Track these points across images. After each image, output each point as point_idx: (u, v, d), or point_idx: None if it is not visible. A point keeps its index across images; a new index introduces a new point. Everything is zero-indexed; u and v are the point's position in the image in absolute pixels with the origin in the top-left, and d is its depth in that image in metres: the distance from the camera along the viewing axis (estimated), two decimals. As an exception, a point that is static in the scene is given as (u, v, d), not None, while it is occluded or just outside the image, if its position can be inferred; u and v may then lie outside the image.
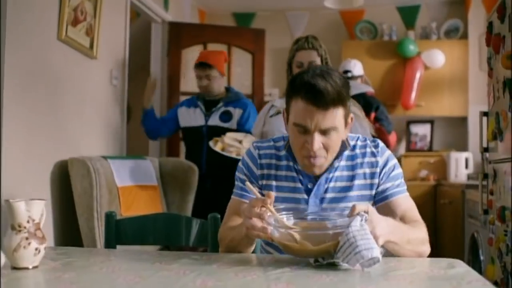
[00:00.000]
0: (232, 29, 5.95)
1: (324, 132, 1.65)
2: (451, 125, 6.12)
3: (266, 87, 5.86)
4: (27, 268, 1.40)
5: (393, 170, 1.83)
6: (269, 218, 1.47)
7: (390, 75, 5.99)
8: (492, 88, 3.17)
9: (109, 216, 2.12)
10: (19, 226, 1.41)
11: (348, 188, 1.80)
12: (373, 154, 1.82)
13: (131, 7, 4.45)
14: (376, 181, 1.81)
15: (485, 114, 3.36)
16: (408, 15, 6.22)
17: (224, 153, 3.33)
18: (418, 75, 5.78)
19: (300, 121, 1.65)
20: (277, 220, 1.48)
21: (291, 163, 1.83)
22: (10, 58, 2.72)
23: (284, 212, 1.56)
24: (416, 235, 1.68)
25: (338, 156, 1.78)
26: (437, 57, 5.76)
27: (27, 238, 1.40)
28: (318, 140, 1.65)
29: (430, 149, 6.12)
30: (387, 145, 4.09)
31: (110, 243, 2.08)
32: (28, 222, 1.42)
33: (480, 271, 3.64)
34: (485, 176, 3.33)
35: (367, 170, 1.81)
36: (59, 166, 3.21)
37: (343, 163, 1.82)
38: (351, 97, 1.76)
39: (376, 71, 5.85)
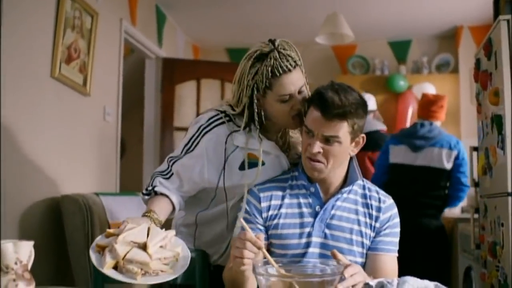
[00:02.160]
0: (226, 64, 6.02)
1: (326, 140, 1.76)
2: (444, 158, 6.13)
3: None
4: (14, 311, 1.39)
5: (395, 228, 1.89)
6: (257, 268, 1.48)
7: (383, 109, 6.03)
8: (481, 124, 3.20)
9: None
10: (7, 268, 1.40)
11: (352, 221, 1.85)
12: (383, 202, 1.89)
13: (125, 43, 4.50)
14: (378, 225, 1.86)
15: (475, 149, 3.39)
16: (400, 50, 6.31)
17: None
18: (410, 109, 5.83)
19: (308, 125, 1.79)
20: (271, 265, 1.50)
21: (302, 190, 1.89)
22: (4, 94, 2.74)
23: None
24: None
25: (348, 183, 1.87)
26: (428, 90, 5.80)
27: (14, 280, 1.39)
28: (318, 145, 1.76)
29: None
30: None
31: (97, 283, 2.06)
32: (15, 263, 1.41)
33: (474, 306, 3.62)
34: (476, 210, 3.34)
35: (374, 213, 1.87)
36: (51, 203, 3.21)
37: (352, 196, 1.88)
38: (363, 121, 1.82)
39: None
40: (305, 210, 1.86)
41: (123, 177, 4.61)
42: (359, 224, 1.85)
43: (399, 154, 4.19)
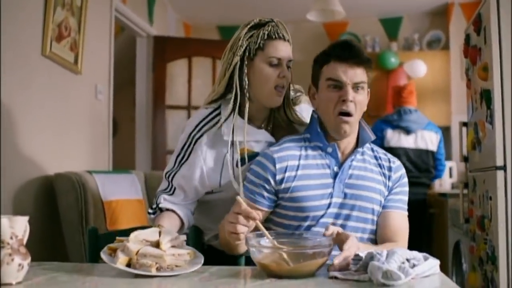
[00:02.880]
0: (217, 42, 6.00)
1: (356, 87, 1.79)
2: (434, 135, 6.18)
3: (251, 99, 5.89)
4: (10, 284, 1.42)
5: (405, 187, 1.95)
6: (250, 239, 1.51)
7: (374, 86, 6.02)
8: (471, 99, 3.23)
9: (91, 231, 2.13)
10: (2, 242, 1.42)
11: (369, 179, 1.88)
12: (393, 163, 1.95)
13: (115, 21, 4.49)
14: (390, 184, 1.91)
15: (464, 124, 3.43)
16: (391, 27, 6.32)
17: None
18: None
19: (334, 77, 1.79)
20: (266, 237, 1.53)
21: (317, 152, 1.89)
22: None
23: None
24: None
25: (361, 143, 1.90)
26: (419, 68, 5.84)
27: (10, 254, 1.42)
28: (351, 93, 1.78)
29: (414, 158, 6.17)
30: None
31: (93, 258, 2.09)
32: (11, 238, 1.43)
33: (463, 279, 3.69)
34: (466, 185, 3.38)
35: (386, 172, 1.92)
36: (44, 181, 3.22)
37: (365, 156, 1.93)
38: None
39: (360, 82, 5.91)
40: (323, 171, 1.87)
41: (116, 156, 4.62)
42: (375, 182, 1.88)
43: (393, 138, 4.63)
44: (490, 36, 2.74)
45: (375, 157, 1.95)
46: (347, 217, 1.85)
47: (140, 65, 5.42)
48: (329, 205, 1.84)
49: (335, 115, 1.81)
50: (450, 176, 5.54)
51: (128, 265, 1.53)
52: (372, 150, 1.97)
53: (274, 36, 1.94)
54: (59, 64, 3.41)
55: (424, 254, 1.50)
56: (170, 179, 2.05)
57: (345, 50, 1.79)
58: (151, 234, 1.61)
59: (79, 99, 3.75)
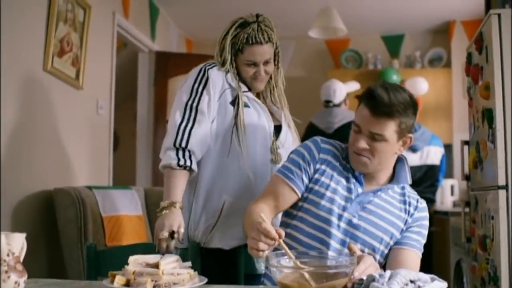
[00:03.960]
0: (219, 58, 6.00)
1: (372, 137, 1.79)
2: (436, 153, 6.17)
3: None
4: (6, 302, 1.40)
5: (424, 229, 1.91)
6: (270, 259, 1.49)
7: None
8: (472, 118, 3.22)
9: (89, 248, 2.12)
10: (-1, 260, 1.41)
11: (387, 210, 1.87)
12: (421, 203, 1.93)
13: (118, 37, 4.50)
14: (410, 220, 1.88)
15: (466, 143, 3.41)
16: (393, 44, 6.32)
17: None
18: (403, 103, 5.85)
19: (357, 120, 1.83)
20: (288, 257, 1.51)
21: (348, 165, 1.92)
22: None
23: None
24: None
25: (394, 182, 1.91)
26: (421, 85, 5.83)
27: (6, 272, 1.40)
28: (364, 140, 1.80)
29: (416, 176, 6.16)
30: None
31: (91, 275, 2.08)
32: (8, 255, 1.42)
33: (464, 299, 3.65)
34: (467, 204, 3.36)
35: (410, 209, 1.90)
36: (44, 196, 3.21)
37: (392, 193, 1.91)
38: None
39: (361, 97, 5.91)
40: (348, 185, 1.89)
41: (117, 171, 4.61)
42: (394, 216, 1.87)
43: None
44: (491, 55, 2.74)
45: (403, 194, 1.93)
46: (355, 238, 1.83)
47: (142, 80, 5.42)
48: (340, 217, 1.82)
49: (352, 151, 1.86)
50: (452, 194, 5.51)
51: (127, 285, 1.51)
52: (403, 188, 1.95)
53: (251, 41, 2.13)
54: (61, 79, 3.42)
55: (432, 276, 1.47)
56: (193, 106, 2.13)
57: (372, 99, 1.78)
58: (152, 258, 1.60)
59: (80, 114, 3.75)
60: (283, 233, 1.52)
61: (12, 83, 2.93)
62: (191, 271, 1.59)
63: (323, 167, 1.90)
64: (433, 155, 4.75)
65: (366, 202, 1.86)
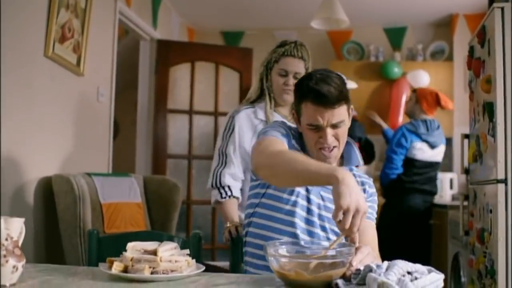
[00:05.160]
0: (220, 47, 6.00)
1: (335, 126, 1.85)
2: (436, 146, 6.16)
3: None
4: (4, 286, 1.40)
5: (376, 202, 2.02)
6: (268, 248, 1.50)
7: (377, 96, 6.05)
8: (473, 111, 3.22)
9: (91, 234, 2.13)
10: (-3, 244, 1.41)
11: None
12: (368, 179, 2.04)
13: (119, 24, 4.49)
14: (365, 196, 1.94)
15: (466, 136, 3.41)
16: (395, 37, 6.30)
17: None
18: (404, 96, 5.84)
19: (312, 121, 1.86)
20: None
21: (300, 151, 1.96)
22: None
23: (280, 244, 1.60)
24: None
25: (347, 164, 1.99)
26: (422, 78, 5.83)
27: (5, 256, 1.41)
28: (330, 133, 1.86)
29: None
30: None
31: (92, 261, 2.08)
32: (6, 239, 1.42)
33: (461, 292, 3.66)
34: (466, 198, 3.37)
35: (365, 187, 1.99)
36: (43, 182, 3.21)
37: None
38: None
39: (363, 91, 5.91)
40: None
41: (116, 159, 4.62)
42: None
43: (419, 151, 4.75)
44: (494, 49, 2.73)
45: (354, 176, 1.93)
46: (320, 217, 1.90)
47: (143, 68, 5.41)
48: (297, 194, 1.89)
49: (317, 149, 1.89)
50: (451, 187, 5.51)
51: (125, 272, 1.52)
52: (351, 169, 2.01)
53: (286, 53, 2.53)
54: (62, 65, 3.41)
55: (429, 267, 1.48)
56: (223, 151, 2.58)
57: (322, 96, 1.81)
58: (150, 245, 1.60)
59: (81, 101, 3.75)
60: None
61: (13, 68, 2.92)
62: (189, 258, 1.60)
63: None
64: (441, 152, 4.89)
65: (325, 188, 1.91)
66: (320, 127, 1.85)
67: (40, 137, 3.22)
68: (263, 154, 1.80)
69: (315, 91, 1.82)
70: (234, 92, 5.56)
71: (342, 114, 1.85)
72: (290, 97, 2.46)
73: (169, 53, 5.36)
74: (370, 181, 2.03)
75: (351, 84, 5.22)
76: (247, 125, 2.57)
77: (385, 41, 6.31)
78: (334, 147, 1.88)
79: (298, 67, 2.54)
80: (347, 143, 1.97)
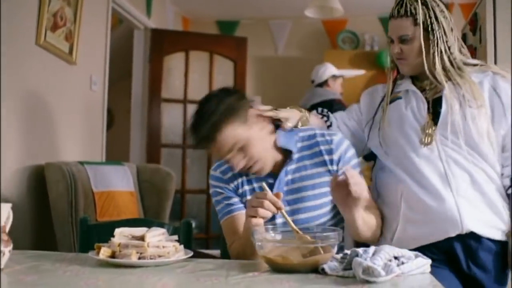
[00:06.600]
0: (214, 36, 5.98)
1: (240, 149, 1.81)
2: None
3: (248, 95, 5.88)
4: (-10, 271, 1.41)
5: (351, 159, 1.92)
6: (256, 233, 1.50)
7: (371, 85, 6.00)
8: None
9: (83, 221, 2.13)
10: (-16, 229, 1.41)
11: (311, 177, 1.89)
12: (332, 143, 1.92)
13: (113, 13, 4.47)
14: (335, 167, 1.90)
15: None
16: (390, 26, 6.29)
17: None
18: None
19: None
20: (290, 227, 1.55)
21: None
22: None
23: (271, 229, 1.62)
24: (372, 222, 1.87)
25: (288, 149, 1.91)
26: (417, 67, 5.83)
27: (-9, 241, 1.41)
28: (237, 158, 1.82)
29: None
30: None
31: (83, 248, 2.08)
32: (-7, 225, 1.42)
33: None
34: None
35: (327, 158, 1.90)
36: (36, 170, 3.21)
37: (304, 153, 1.92)
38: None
39: (357, 81, 5.90)
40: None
41: (111, 148, 4.61)
42: (320, 177, 1.89)
43: None
44: (485, 36, 2.73)
45: (311, 147, 1.93)
46: (297, 222, 1.76)
47: (137, 57, 5.40)
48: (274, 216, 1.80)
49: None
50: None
51: (112, 257, 1.52)
52: (308, 138, 1.94)
53: (390, 15, 1.96)
54: (53, 54, 3.40)
55: (416, 252, 1.49)
56: None
57: (200, 138, 1.82)
58: (138, 230, 1.61)
59: (73, 89, 3.74)
60: (283, 206, 1.58)
61: (3, 56, 2.91)
62: (177, 244, 1.60)
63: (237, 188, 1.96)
64: None
65: (284, 185, 1.89)
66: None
67: (32, 125, 3.21)
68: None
69: (193, 132, 1.84)
70: (229, 81, 5.55)
71: (229, 142, 1.79)
72: (403, 68, 1.98)
73: (163, 42, 5.35)
74: (333, 144, 1.91)
75: (357, 72, 5.32)
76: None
77: (380, 30, 6.29)
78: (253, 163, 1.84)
79: (401, 28, 1.92)
80: (290, 131, 1.94)
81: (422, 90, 1.97)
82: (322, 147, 1.91)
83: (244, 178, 1.94)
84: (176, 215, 5.12)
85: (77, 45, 3.64)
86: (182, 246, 1.63)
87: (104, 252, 1.52)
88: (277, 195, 1.57)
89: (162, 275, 1.40)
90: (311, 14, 4.87)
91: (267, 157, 1.86)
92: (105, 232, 2.09)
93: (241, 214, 1.89)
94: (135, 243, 1.53)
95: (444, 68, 1.91)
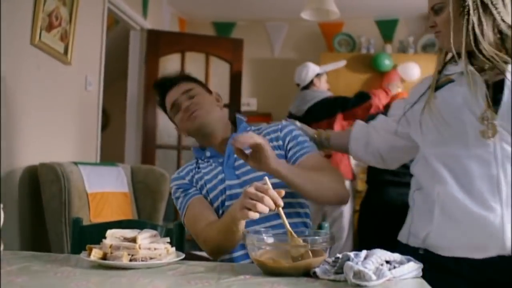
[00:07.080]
0: (210, 38, 5.98)
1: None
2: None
3: (244, 97, 5.89)
4: (-20, 271, 1.40)
5: (296, 138, 1.96)
6: (248, 236, 1.49)
7: (367, 88, 6.02)
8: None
9: (75, 222, 2.12)
10: (-26, 230, 1.41)
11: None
12: (279, 131, 2.00)
13: (109, 14, 4.46)
14: (280, 142, 1.95)
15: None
16: (386, 29, 6.31)
17: None
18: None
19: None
20: (286, 229, 1.53)
21: (205, 160, 2.04)
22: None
23: (263, 231, 1.61)
24: (322, 177, 1.80)
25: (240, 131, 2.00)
26: (413, 70, 5.84)
27: (-19, 242, 1.40)
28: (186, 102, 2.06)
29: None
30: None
31: (75, 249, 2.08)
32: (-17, 225, 1.42)
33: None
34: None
35: (275, 143, 1.96)
36: (29, 171, 3.20)
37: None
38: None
39: (353, 83, 5.91)
40: (218, 167, 1.98)
41: (106, 148, 4.60)
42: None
43: None
44: (480, 40, 2.72)
45: (264, 135, 1.98)
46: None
47: (132, 58, 5.39)
48: (224, 190, 1.89)
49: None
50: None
51: (104, 259, 1.52)
52: (260, 130, 2.03)
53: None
54: (48, 54, 3.39)
55: (408, 257, 1.48)
56: None
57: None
58: (129, 232, 1.60)
59: (68, 89, 3.73)
60: (282, 203, 1.52)
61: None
62: (169, 246, 1.60)
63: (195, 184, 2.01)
64: None
65: (233, 161, 1.94)
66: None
67: (26, 125, 3.20)
68: None
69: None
70: (224, 83, 5.55)
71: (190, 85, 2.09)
72: (440, 41, 1.73)
73: (159, 43, 5.35)
74: (280, 131, 1.98)
75: (339, 63, 5.23)
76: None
77: (377, 33, 6.32)
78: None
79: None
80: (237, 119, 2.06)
81: (481, 71, 1.61)
82: (272, 135, 1.98)
83: (202, 172, 1.99)
84: (170, 217, 5.10)
85: (73, 45, 3.63)
86: (174, 248, 1.63)
87: (95, 254, 1.52)
88: (279, 193, 1.53)
89: (153, 277, 1.40)
90: (307, 16, 4.86)
91: (211, 113, 2.00)
92: (97, 233, 2.09)
93: (200, 197, 1.94)
94: (126, 244, 1.52)
95: (497, 42, 1.59)
